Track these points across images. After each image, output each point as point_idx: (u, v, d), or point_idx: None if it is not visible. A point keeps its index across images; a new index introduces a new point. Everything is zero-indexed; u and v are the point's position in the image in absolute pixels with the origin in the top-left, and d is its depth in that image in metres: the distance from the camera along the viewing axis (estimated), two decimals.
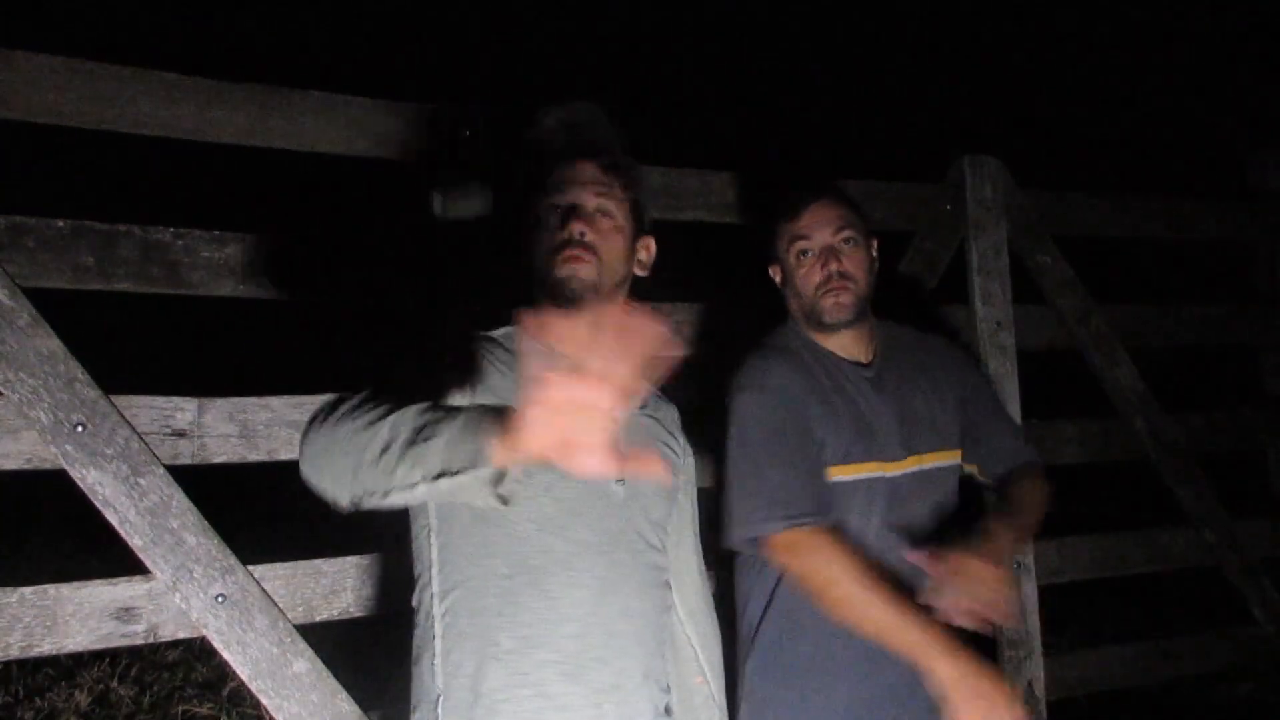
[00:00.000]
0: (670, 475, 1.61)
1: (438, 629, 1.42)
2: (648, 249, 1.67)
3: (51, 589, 1.69)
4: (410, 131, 2.01)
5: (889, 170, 2.64)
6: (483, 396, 1.43)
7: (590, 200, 1.55)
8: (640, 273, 1.65)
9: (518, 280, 1.62)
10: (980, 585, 1.54)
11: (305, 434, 1.23)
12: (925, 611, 1.57)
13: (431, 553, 1.44)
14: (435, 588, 1.44)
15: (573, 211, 1.53)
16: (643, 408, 1.62)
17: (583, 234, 1.51)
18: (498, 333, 1.58)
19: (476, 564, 1.40)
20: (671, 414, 1.71)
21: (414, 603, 1.49)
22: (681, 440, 1.71)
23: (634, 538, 1.49)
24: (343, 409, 1.18)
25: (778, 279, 1.91)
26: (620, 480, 1.47)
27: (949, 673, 1.51)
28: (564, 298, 1.51)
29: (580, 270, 1.51)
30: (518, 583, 1.39)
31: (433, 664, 1.42)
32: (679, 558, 1.66)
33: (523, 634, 1.38)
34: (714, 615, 1.73)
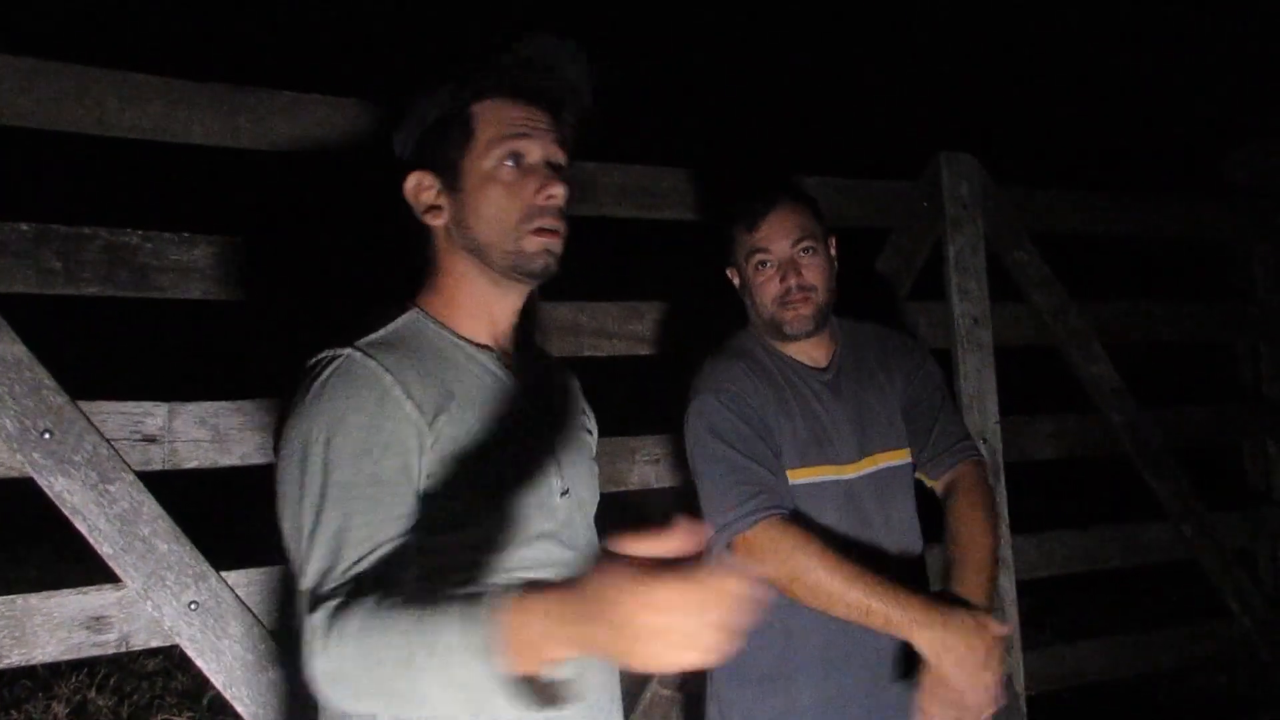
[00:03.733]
0: (595, 464, 1.51)
1: None
2: None
3: (19, 599, 1.66)
4: (382, 130, 1.99)
5: (866, 167, 2.64)
6: (460, 412, 1.23)
7: (553, 154, 1.32)
8: None
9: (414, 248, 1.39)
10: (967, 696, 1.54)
11: (312, 661, 1.02)
12: (896, 583, 1.58)
13: None
14: None
15: (548, 170, 1.30)
16: (559, 391, 1.46)
17: (563, 198, 1.30)
18: (397, 326, 1.28)
19: None
20: (572, 378, 1.56)
21: None
22: (588, 409, 1.56)
23: (585, 550, 1.36)
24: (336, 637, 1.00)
25: (736, 283, 1.90)
26: (565, 491, 1.33)
27: (930, 642, 1.53)
28: (533, 275, 1.30)
29: (555, 246, 1.30)
30: None
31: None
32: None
33: None
34: None
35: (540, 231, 1.28)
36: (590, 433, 1.53)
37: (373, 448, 1.13)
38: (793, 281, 1.76)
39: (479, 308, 1.33)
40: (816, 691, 1.72)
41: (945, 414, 1.90)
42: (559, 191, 1.28)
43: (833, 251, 1.86)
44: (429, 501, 1.18)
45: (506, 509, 1.24)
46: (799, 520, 1.69)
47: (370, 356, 1.19)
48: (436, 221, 1.33)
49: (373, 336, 1.24)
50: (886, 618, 1.56)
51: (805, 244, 1.78)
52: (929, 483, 1.90)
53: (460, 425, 1.22)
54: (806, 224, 1.79)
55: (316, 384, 1.17)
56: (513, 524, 1.24)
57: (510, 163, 1.28)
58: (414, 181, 1.33)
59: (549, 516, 1.29)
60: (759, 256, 1.80)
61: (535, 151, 1.29)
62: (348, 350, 1.19)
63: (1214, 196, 3.15)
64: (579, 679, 1.22)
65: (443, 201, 1.31)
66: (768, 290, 1.79)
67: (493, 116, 1.29)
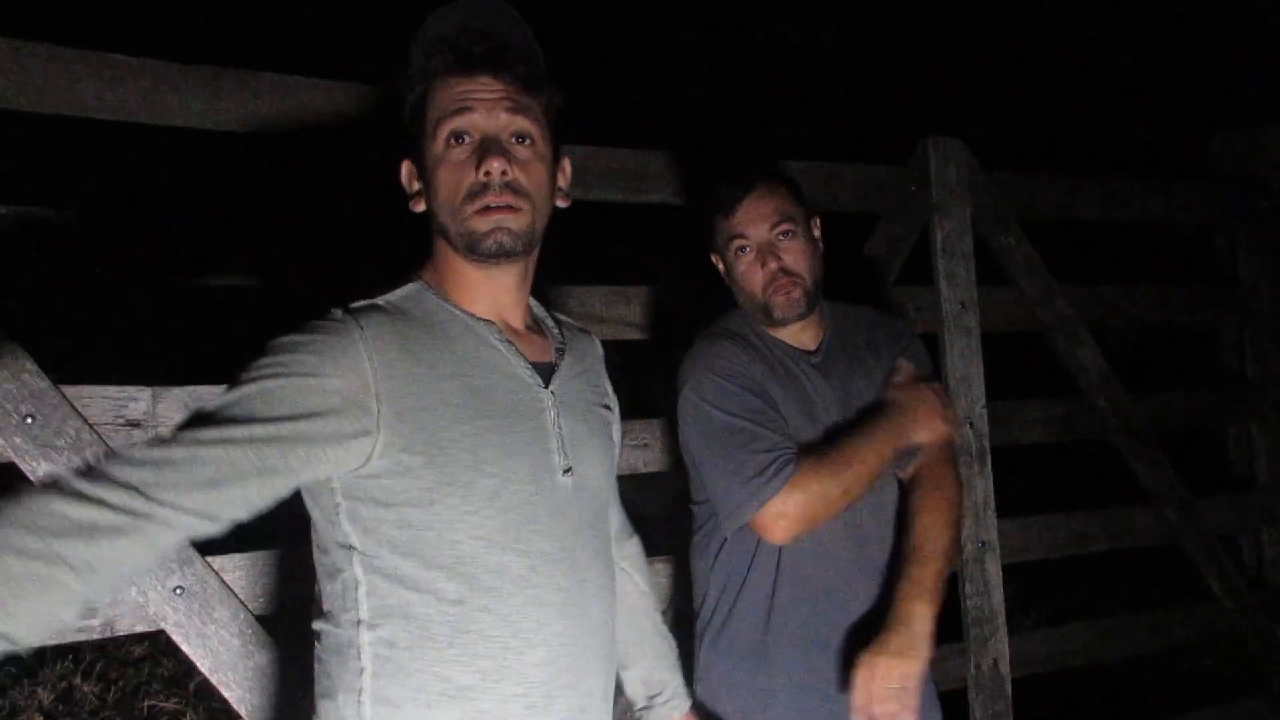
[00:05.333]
0: (611, 442, 1.47)
1: (366, 662, 1.18)
2: (565, 172, 1.38)
3: None
4: (367, 113, 1.98)
5: (854, 152, 2.64)
6: (404, 378, 1.18)
7: (507, 123, 1.25)
8: (561, 204, 1.37)
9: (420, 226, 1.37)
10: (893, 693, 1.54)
11: None
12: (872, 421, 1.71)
13: (353, 573, 1.19)
14: (363, 615, 1.19)
15: (489, 144, 1.23)
16: (572, 365, 1.40)
17: (504, 173, 1.23)
18: (395, 296, 1.28)
19: (416, 589, 1.17)
20: (594, 351, 1.52)
21: (322, 626, 1.24)
22: (608, 384, 1.53)
23: (589, 534, 1.32)
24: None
25: (720, 267, 1.88)
26: (568, 469, 1.29)
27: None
28: (487, 255, 1.25)
29: (508, 220, 1.24)
30: (470, 608, 1.18)
31: (359, 701, 1.18)
32: (610, 501, 1.55)
33: (480, 667, 1.18)
34: (636, 534, 1.69)
35: (485, 210, 1.23)
36: (609, 409, 1.49)
37: (286, 393, 1.11)
38: (774, 266, 1.75)
39: (472, 285, 1.31)
40: (796, 673, 1.72)
41: None
42: (495, 166, 1.22)
43: (816, 233, 1.84)
44: (391, 473, 1.17)
45: (490, 485, 1.20)
46: (800, 458, 1.67)
47: (352, 315, 1.20)
48: (419, 208, 1.33)
49: (366, 301, 1.25)
50: (892, 437, 1.71)
51: (783, 227, 1.76)
52: (896, 474, 1.84)
53: (436, 395, 1.19)
54: (784, 206, 1.77)
55: (297, 330, 1.19)
56: (498, 501, 1.21)
57: (456, 141, 1.25)
58: (405, 171, 1.35)
59: (546, 495, 1.26)
60: (737, 242, 1.78)
61: (482, 124, 1.24)
62: (336, 310, 1.22)
63: (1199, 182, 3.16)
64: (570, 668, 1.23)
65: (420, 187, 1.32)
66: (751, 277, 1.78)
67: (439, 96, 1.26)
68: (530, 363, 1.31)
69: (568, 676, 1.24)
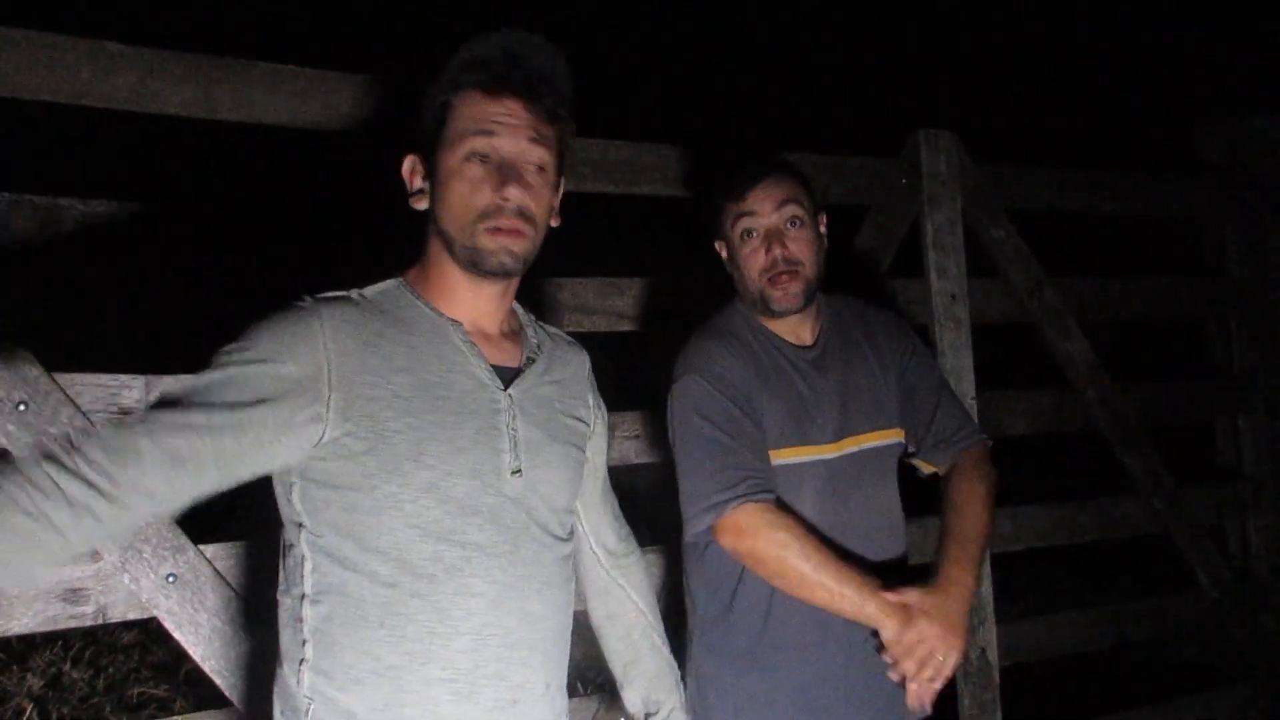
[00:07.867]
0: (579, 452, 1.49)
1: (307, 634, 1.25)
2: (558, 192, 1.45)
3: None
4: (360, 102, 1.98)
5: (845, 145, 2.64)
6: (351, 369, 1.24)
7: (527, 151, 1.32)
8: (553, 223, 1.44)
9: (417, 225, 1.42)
10: (933, 656, 1.57)
11: None
12: (868, 575, 1.61)
13: (301, 550, 1.26)
14: (307, 589, 1.26)
15: (509, 171, 1.30)
16: (542, 374, 1.44)
17: (520, 199, 1.30)
18: (370, 290, 1.36)
19: (354, 570, 1.23)
20: (579, 364, 1.56)
21: (278, 597, 1.33)
22: (592, 398, 1.57)
23: (537, 532, 1.35)
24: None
25: (724, 255, 1.87)
26: (517, 470, 1.33)
27: (893, 631, 1.58)
28: (488, 272, 1.33)
29: (514, 244, 1.31)
30: (402, 593, 1.23)
31: (299, 671, 1.26)
32: (592, 507, 1.63)
33: (407, 649, 1.23)
34: (638, 550, 1.72)
35: (495, 231, 1.30)
36: (582, 421, 1.52)
37: (246, 379, 1.19)
38: (779, 253, 1.73)
39: (454, 291, 1.37)
40: (793, 674, 1.73)
41: (945, 400, 1.90)
42: (513, 194, 1.29)
43: (822, 229, 1.84)
44: (336, 456, 1.23)
45: (429, 476, 1.25)
46: (783, 506, 1.69)
47: (317, 304, 1.28)
48: (420, 206, 1.38)
49: (339, 292, 1.33)
50: (857, 611, 1.59)
51: (793, 214, 1.75)
52: (930, 468, 1.89)
53: (387, 386, 1.25)
54: (796, 195, 1.77)
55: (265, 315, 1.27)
56: (436, 492, 1.25)
57: (475, 160, 1.30)
58: (408, 165, 1.40)
59: (489, 492, 1.30)
60: (745, 223, 1.77)
61: (504, 148, 1.31)
62: (306, 297, 1.30)
63: (1187, 173, 3.18)
64: (498, 659, 1.28)
65: (426, 187, 1.37)
66: (754, 261, 1.77)
67: (464, 111, 1.32)
68: (494, 365, 1.36)
69: (495, 667, 1.28)
